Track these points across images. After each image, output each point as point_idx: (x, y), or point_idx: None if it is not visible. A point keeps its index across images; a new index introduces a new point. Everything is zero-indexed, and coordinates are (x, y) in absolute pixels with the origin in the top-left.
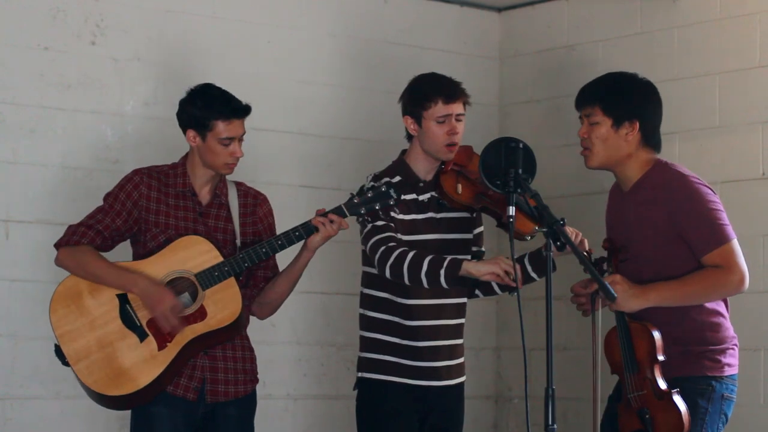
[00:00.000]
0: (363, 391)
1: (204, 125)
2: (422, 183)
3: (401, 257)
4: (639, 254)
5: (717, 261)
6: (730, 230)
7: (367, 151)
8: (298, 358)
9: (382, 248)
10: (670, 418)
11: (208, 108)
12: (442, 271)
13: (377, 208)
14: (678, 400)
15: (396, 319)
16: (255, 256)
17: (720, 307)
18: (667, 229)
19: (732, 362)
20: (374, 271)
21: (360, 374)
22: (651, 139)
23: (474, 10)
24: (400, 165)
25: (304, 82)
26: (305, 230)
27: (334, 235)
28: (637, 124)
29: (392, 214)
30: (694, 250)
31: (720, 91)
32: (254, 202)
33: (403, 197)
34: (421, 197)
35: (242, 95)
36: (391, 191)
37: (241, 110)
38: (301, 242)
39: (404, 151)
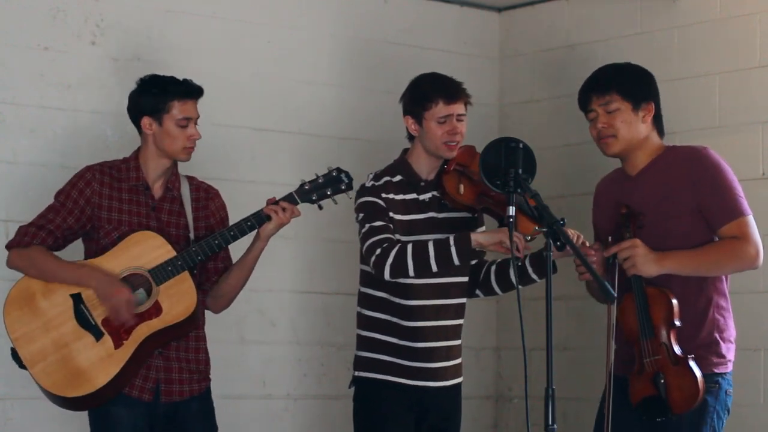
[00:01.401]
0: (359, 390)
1: (159, 109)
2: (423, 182)
3: (402, 252)
4: (655, 231)
5: (734, 232)
6: (747, 205)
7: (367, 151)
8: (298, 358)
9: (378, 251)
10: (685, 383)
11: (162, 91)
12: (453, 249)
13: (329, 194)
14: (694, 366)
15: (394, 319)
16: (208, 249)
17: (727, 299)
18: (688, 201)
19: (731, 358)
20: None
21: (356, 373)
22: (659, 122)
23: (474, 10)
24: (402, 164)
25: (304, 82)
26: (257, 220)
27: (287, 223)
28: (653, 105)
29: (391, 214)
30: (711, 221)
31: (720, 91)
32: (206, 196)
33: (402, 197)
34: (421, 197)
35: (242, 95)
36: (342, 176)
37: (195, 90)
38: (254, 232)
39: (405, 150)
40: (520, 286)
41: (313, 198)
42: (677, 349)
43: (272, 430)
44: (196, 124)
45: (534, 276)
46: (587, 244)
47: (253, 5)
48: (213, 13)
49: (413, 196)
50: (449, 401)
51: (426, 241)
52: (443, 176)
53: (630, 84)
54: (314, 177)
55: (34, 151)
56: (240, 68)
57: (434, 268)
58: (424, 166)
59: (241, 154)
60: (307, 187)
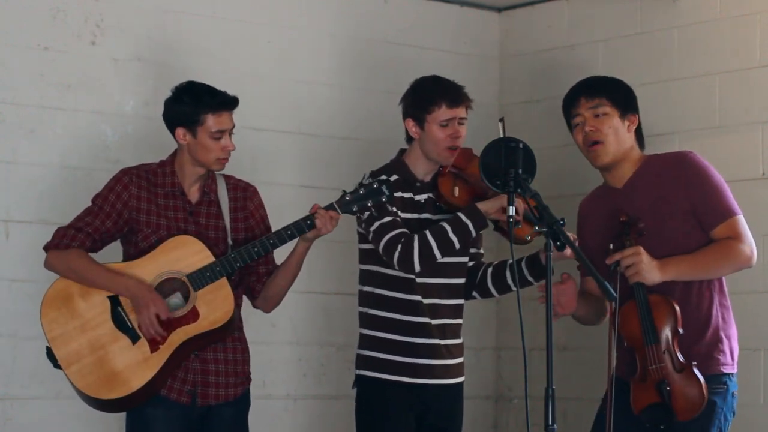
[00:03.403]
0: (361, 389)
1: (194, 121)
2: (419, 183)
3: (424, 239)
4: (652, 238)
5: (727, 233)
6: (737, 205)
7: (366, 151)
8: (298, 358)
9: (400, 246)
10: (689, 390)
11: (196, 103)
12: (469, 222)
13: (369, 205)
14: (698, 372)
15: (397, 316)
16: (247, 256)
17: (727, 298)
18: (683, 204)
19: (736, 358)
20: (373, 268)
21: (358, 372)
22: (641, 135)
23: (474, 10)
24: (398, 164)
25: (304, 82)
26: (297, 229)
27: (328, 233)
28: (637, 117)
29: (392, 208)
30: (703, 223)
31: (720, 91)
32: (244, 195)
33: (400, 194)
34: (417, 197)
35: (242, 95)
36: (383, 188)
37: (230, 102)
38: (293, 241)
39: (402, 151)
40: (517, 288)
41: (354, 209)
42: (680, 357)
43: (272, 430)
44: (231, 133)
45: (530, 278)
46: None
47: (253, 5)
48: (213, 13)
49: (409, 195)
50: (451, 400)
51: (438, 224)
52: (439, 178)
53: (619, 93)
54: (355, 188)
55: (34, 151)
56: (240, 68)
57: (457, 244)
58: (421, 168)
59: (240, 154)
60: (348, 198)
